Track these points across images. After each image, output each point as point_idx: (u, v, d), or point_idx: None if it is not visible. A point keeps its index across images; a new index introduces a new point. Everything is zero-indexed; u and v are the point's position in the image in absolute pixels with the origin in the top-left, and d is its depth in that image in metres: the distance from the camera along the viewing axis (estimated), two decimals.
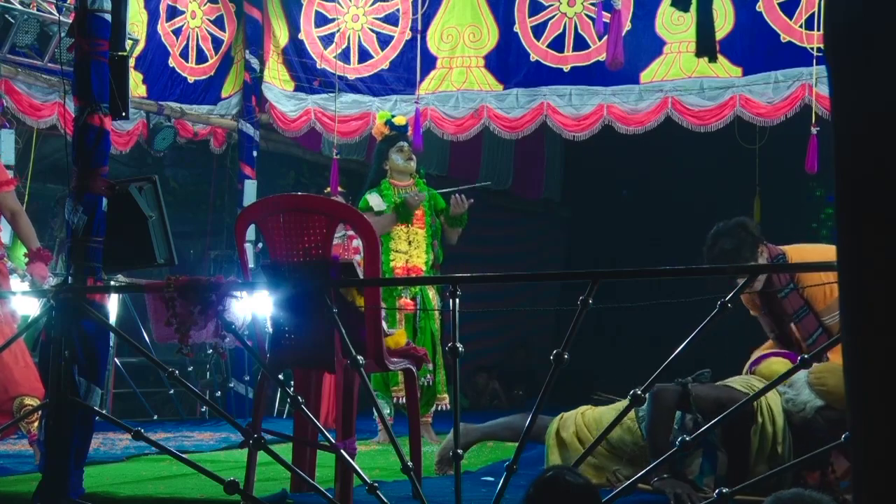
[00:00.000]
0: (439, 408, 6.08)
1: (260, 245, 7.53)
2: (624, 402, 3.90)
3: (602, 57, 6.86)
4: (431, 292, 6.13)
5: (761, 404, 3.73)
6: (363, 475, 3.24)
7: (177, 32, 8.10)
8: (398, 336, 4.07)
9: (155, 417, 7.71)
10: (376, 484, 3.23)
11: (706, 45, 4.79)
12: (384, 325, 4.02)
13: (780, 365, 3.83)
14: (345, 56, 7.80)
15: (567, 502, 2.23)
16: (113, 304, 6.00)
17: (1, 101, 6.93)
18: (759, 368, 4.06)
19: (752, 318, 4.56)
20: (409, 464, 3.22)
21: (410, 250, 6.05)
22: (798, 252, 4.28)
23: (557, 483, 2.25)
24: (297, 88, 8.05)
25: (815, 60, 6.47)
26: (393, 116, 6.41)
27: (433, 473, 4.39)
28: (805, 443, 3.65)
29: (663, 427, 3.70)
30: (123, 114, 3.97)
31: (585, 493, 2.25)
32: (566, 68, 7.22)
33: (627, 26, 6.85)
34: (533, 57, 7.29)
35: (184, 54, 8.14)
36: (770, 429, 3.74)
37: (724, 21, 6.67)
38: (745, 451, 3.75)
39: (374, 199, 6.07)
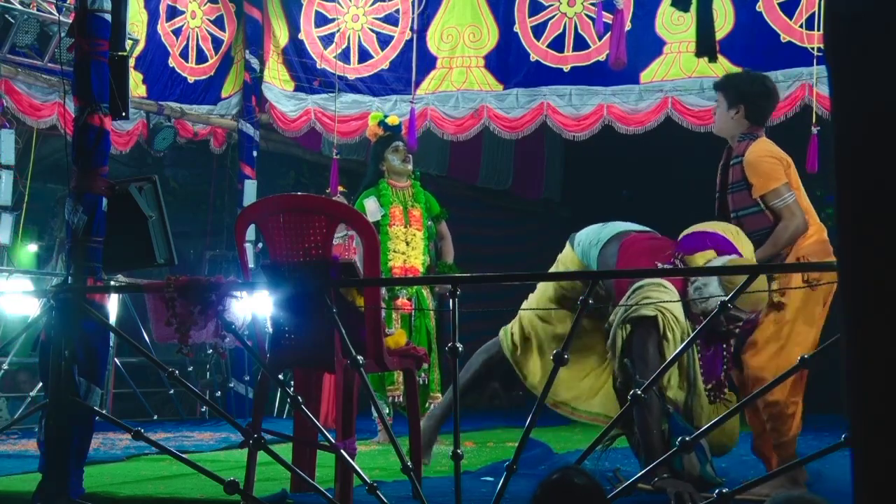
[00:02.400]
0: (433, 406, 6.07)
1: (260, 245, 7.53)
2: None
3: (602, 57, 6.86)
4: (426, 291, 6.13)
5: (666, 315, 3.78)
6: (363, 475, 3.24)
7: (177, 32, 8.10)
8: (398, 336, 4.07)
9: (155, 417, 7.71)
10: (376, 484, 3.23)
11: (706, 45, 4.79)
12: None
13: (701, 259, 3.91)
14: (345, 56, 7.80)
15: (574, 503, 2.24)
16: (113, 304, 6.00)
17: (1, 101, 6.93)
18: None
19: None
20: (409, 464, 3.22)
21: (408, 251, 6.05)
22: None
23: (565, 485, 2.25)
24: (297, 88, 8.05)
25: (815, 60, 6.47)
26: (386, 116, 6.40)
27: (433, 473, 4.40)
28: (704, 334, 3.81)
29: (657, 429, 3.73)
30: (123, 114, 3.97)
31: (593, 494, 2.25)
32: (566, 68, 7.21)
33: (627, 26, 6.85)
34: (533, 57, 7.29)
35: (184, 54, 8.14)
36: (679, 333, 3.81)
37: (724, 21, 6.67)
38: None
39: (370, 205, 6.05)
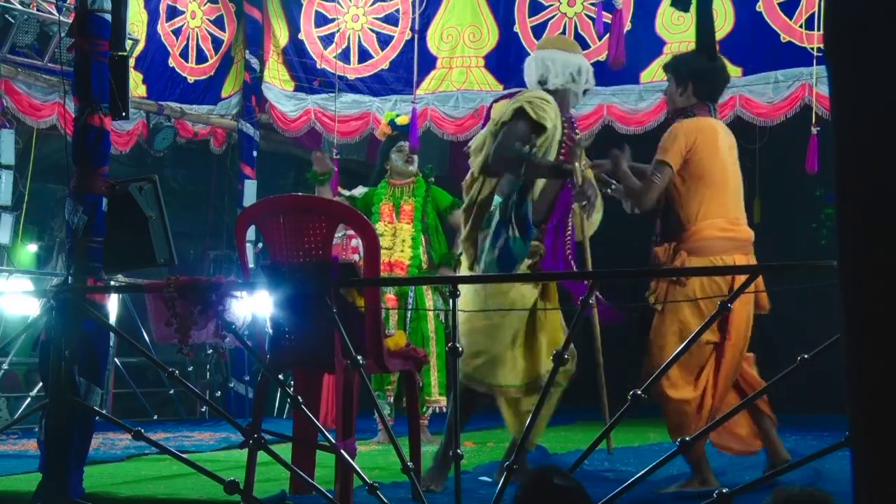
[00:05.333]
0: (435, 410, 6.04)
1: (260, 245, 7.52)
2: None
3: (602, 57, 6.86)
4: (427, 292, 6.10)
5: (532, 102, 4.16)
6: (363, 475, 3.24)
7: (177, 32, 8.10)
8: (398, 337, 4.07)
9: (155, 417, 7.71)
10: (376, 484, 3.23)
11: (706, 45, 4.78)
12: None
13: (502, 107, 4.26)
14: (345, 56, 7.80)
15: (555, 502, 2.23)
16: (113, 304, 6.00)
17: (1, 101, 6.93)
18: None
19: None
20: (410, 464, 3.22)
21: (393, 246, 6.01)
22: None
23: (544, 485, 2.24)
24: (297, 88, 8.06)
25: (815, 60, 6.48)
26: (397, 116, 6.42)
27: None
28: None
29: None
30: (123, 114, 3.97)
31: (573, 494, 2.24)
32: None
33: (627, 26, 6.85)
34: None
35: (184, 54, 8.14)
36: (552, 112, 4.20)
37: (724, 21, 6.68)
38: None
39: (357, 190, 6.17)
